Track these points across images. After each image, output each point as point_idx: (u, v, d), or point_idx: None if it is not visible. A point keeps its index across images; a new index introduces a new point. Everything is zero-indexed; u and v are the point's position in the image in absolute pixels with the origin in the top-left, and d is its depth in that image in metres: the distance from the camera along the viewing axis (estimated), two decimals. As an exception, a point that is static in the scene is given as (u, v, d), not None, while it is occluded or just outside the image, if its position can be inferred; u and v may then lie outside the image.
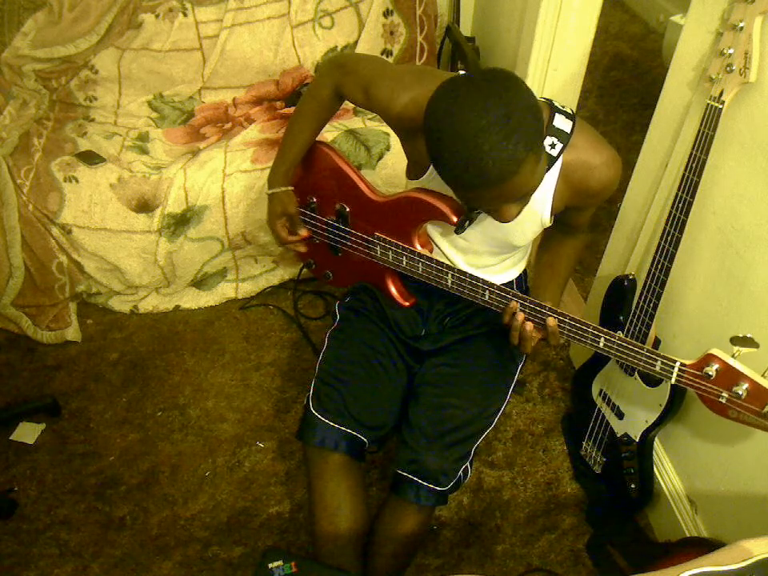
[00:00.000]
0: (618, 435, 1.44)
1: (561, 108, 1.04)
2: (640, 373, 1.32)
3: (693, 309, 1.29)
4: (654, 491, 1.45)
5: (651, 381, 1.31)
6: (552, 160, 1.04)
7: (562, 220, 1.24)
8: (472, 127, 0.82)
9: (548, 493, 1.62)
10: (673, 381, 0.98)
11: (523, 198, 0.94)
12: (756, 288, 1.10)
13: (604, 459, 1.53)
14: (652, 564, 1.20)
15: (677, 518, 1.43)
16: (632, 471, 1.44)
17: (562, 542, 1.54)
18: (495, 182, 0.85)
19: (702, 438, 1.34)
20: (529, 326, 1.10)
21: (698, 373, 0.94)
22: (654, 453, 1.42)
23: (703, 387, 0.95)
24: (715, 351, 0.92)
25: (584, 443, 1.59)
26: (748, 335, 0.88)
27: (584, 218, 1.25)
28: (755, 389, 0.89)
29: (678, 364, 0.96)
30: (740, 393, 0.90)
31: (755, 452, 1.18)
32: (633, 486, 1.45)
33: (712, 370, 0.92)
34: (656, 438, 1.38)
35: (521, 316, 1.10)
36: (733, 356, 0.91)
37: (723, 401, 0.94)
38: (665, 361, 0.97)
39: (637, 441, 1.38)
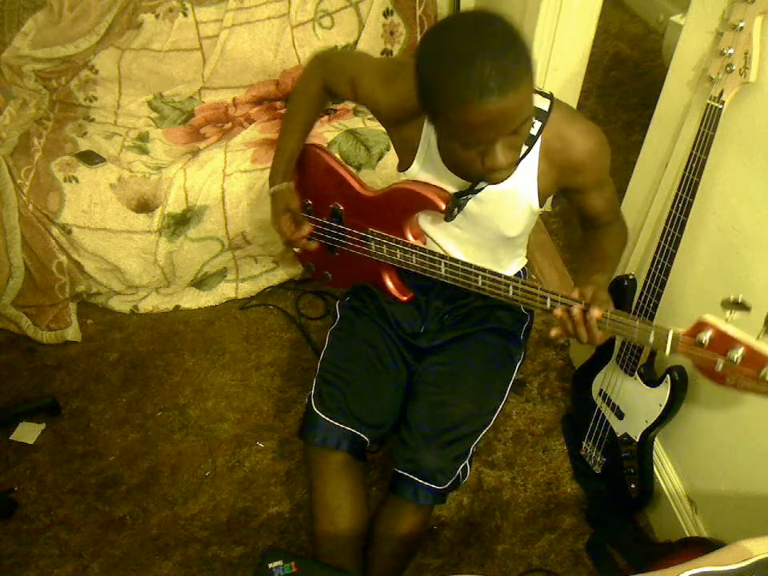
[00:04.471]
0: (618, 435, 1.44)
1: (537, 89, 1.03)
2: (640, 373, 1.32)
3: (693, 309, 1.29)
4: (653, 491, 1.45)
5: (651, 381, 1.31)
6: (532, 139, 1.04)
7: (581, 215, 1.22)
8: (468, 45, 0.82)
9: (548, 493, 1.62)
10: (667, 351, 0.97)
11: (515, 139, 0.90)
12: (756, 288, 1.10)
13: (604, 459, 1.53)
14: (652, 564, 1.20)
15: (677, 518, 1.43)
16: (632, 471, 1.44)
17: (562, 542, 1.54)
18: (494, 94, 0.81)
19: (701, 438, 1.34)
20: (594, 313, 1.00)
21: (691, 340, 0.93)
22: (653, 453, 1.42)
23: (698, 355, 0.94)
24: (707, 317, 0.91)
25: (584, 443, 1.59)
26: (739, 298, 0.87)
27: (598, 204, 1.17)
28: (750, 353, 0.88)
29: (671, 332, 0.95)
30: (735, 358, 0.89)
31: (755, 452, 1.18)
32: (633, 485, 1.45)
33: (705, 336, 0.91)
34: (656, 438, 1.38)
35: (577, 309, 1.01)
36: (725, 320, 0.90)
37: (719, 368, 0.93)
38: (657, 331, 0.96)
39: (637, 441, 1.38)
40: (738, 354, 0.88)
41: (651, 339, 0.98)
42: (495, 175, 0.96)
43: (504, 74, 0.81)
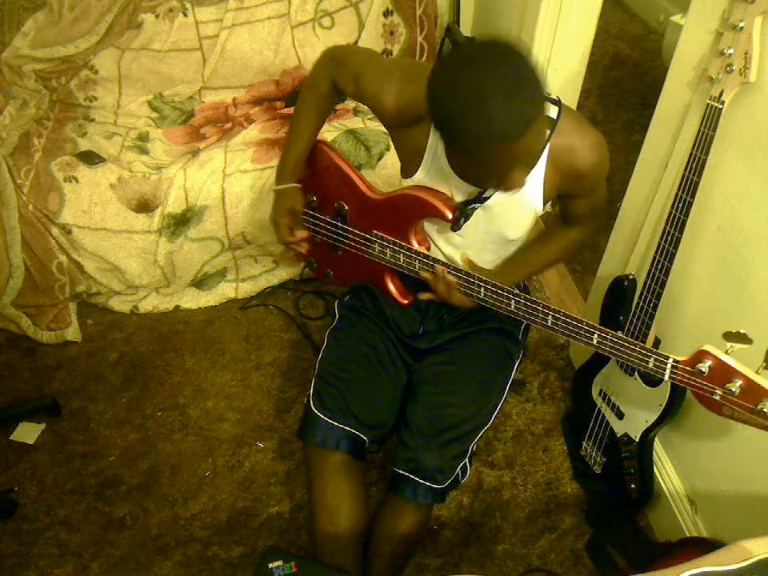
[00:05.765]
0: (618, 435, 1.44)
1: (546, 94, 1.04)
2: (640, 373, 1.32)
3: (693, 309, 1.29)
4: (654, 491, 1.45)
5: (651, 381, 1.30)
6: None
7: (563, 213, 1.26)
8: (479, 87, 0.82)
9: (548, 493, 1.62)
10: (666, 377, 0.98)
11: (530, 161, 0.96)
12: (756, 288, 1.10)
13: (604, 459, 1.53)
14: (652, 564, 1.20)
15: (677, 518, 1.43)
16: (632, 471, 1.43)
17: (562, 541, 1.54)
18: (504, 140, 0.84)
19: (701, 438, 1.34)
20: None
21: (691, 369, 0.94)
22: (653, 453, 1.42)
23: (697, 384, 0.95)
24: (708, 347, 0.92)
25: (584, 443, 1.59)
26: (741, 331, 0.88)
27: (581, 209, 1.22)
28: (748, 385, 0.89)
29: (671, 360, 0.96)
30: (733, 390, 0.89)
31: (755, 452, 1.18)
32: (633, 485, 1.45)
33: (705, 366, 0.91)
34: (656, 438, 1.38)
35: (450, 278, 1.16)
36: (726, 352, 0.90)
37: (717, 398, 0.93)
38: (658, 357, 0.97)
39: (637, 441, 1.38)
40: (736, 385, 0.89)
41: (651, 364, 0.98)
42: (511, 191, 1.00)
43: (514, 119, 0.83)
